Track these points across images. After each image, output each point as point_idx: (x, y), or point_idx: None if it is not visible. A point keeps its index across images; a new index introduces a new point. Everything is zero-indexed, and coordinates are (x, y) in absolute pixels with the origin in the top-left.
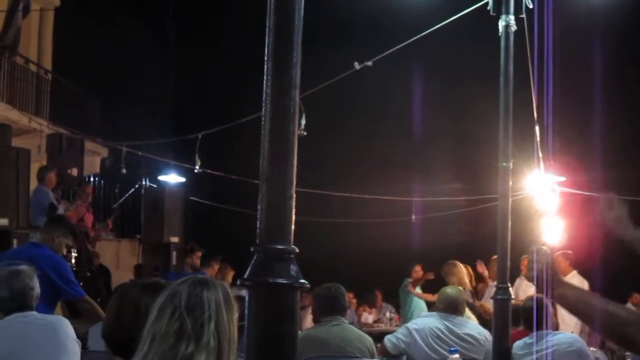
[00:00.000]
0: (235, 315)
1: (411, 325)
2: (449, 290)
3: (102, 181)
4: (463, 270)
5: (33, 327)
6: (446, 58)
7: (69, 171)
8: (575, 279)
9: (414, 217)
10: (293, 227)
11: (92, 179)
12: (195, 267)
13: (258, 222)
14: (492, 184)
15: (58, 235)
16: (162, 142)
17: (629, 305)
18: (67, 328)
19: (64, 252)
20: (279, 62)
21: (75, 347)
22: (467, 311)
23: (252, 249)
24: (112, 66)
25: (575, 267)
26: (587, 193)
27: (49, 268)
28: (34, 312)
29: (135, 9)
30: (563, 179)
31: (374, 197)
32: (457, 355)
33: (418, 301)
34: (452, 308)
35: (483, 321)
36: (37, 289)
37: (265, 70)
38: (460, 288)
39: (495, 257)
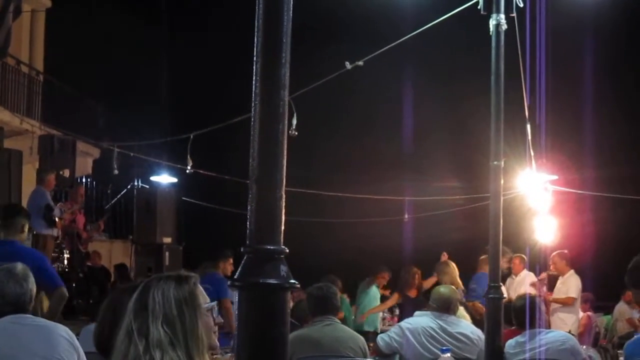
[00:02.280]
0: (200, 311)
1: (404, 324)
2: (442, 289)
3: (94, 182)
4: (456, 270)
5: (28, 330)
6: (437, 57)
7: (61, 172)
8: (572, 277)
9: (406, 216)
10: (283, 227)
11: (84, 180)
12: (226, 274)
13: (248, 223)
14: (484, 182)
15: (22, 225)
16: (154, 142)
17: (622, 302)
18: (63, 333)
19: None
20: (267, 62)
21: (71, 353)
22: (462, 310)
23: (242, 250)
24: (103, 67)
25: (571, 266)
26: (579, 192)
27: (29, 263)
28: (29, 316)
29: (126, 10)
30: (555, 177)
31: (366, 197)
32: (449, 354)
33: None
34: (445, 307)
35: (474, 320)
36: (33, 290)
37: (254, 70)
38: (453, 287)
39: (483, 257)
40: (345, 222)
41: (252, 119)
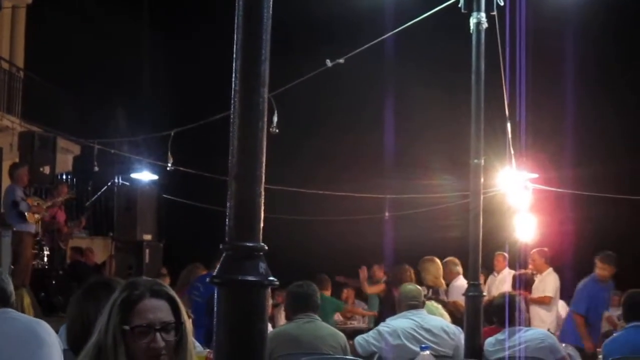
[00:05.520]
0: (114, 321)
1: (382, 328)
2: (410, 286)
3: (74, 179)
4: (440, 269)
5: (11, 324)
6: (419, 55)
7: (41, 169)
8: (550, 276)
9: (387, 214)
10: (262, 224)
11: (64, 177)
12: None
13: (227, 220)
14: (466, 181)
15: None
16: (134, 139)
17: None
18: (45, 329)
19: None
20: (247, 59)
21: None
22: (440, 309)
23: (221, 247)
24: (84, 64)
25: (550, 264)
26: (559, 190)
27: None
28: (12, 310)
29: (108, 6)
30: (535, 175)
31: (346, 195)
32: (428, 352)
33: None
34: (417, 303)
35: (455, 319)
36: (11, 288)
37: (233, 67)
38: (415, 284)
39: (448, 259)
40: (326, 220)
41: (232, 116)
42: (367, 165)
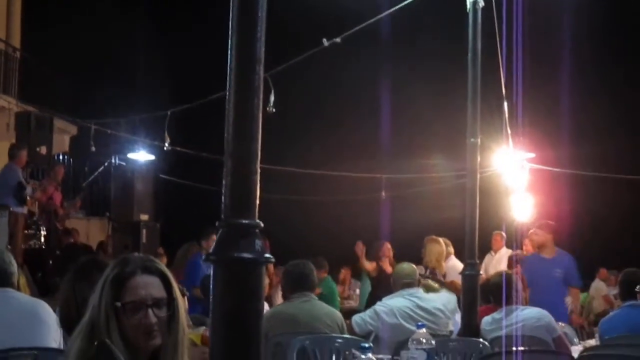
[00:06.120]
0: (106, 298)
1: (379, 307)
2: (405, 265)
3: (71, 159)
4: (444, 252)
5: (11, 303)
6: (416, 35)
7: (37, 149)
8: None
9: (383, 194)
10: (258, 202)
11: (61, 158)
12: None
13: (223, 197)
14: (462, 161)
15: None
16: (131, 119)
17: (597, 280)
18: (45, 309)
19: None
20: (243, 36)
21: (49, 327)
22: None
23: (216, 224)
24: (81, 44)
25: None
26: (556, 169)
27: None
28: (12, 290)
29: None
30: (532, 155)
31: (343, 174)
32: (424, 330)
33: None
34: (412, 281)
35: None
36: (12, 268)
37: (229, 44)
38: (411, 263)
39: (429, 237)
40: (321, 201)
41: (227, 93)
42: (364, 146)
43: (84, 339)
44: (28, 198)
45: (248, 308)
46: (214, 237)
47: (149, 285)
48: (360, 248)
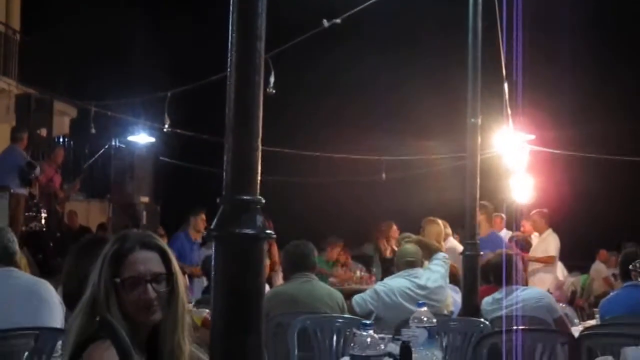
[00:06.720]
0: (105, 274)
1: (379, 287)
2: (409, 246)
3: (71, 142)
4: (442, 233)
5: (14, 282)
6: (415, 15)
7: (38, 132)
8: (551, 236)
9: (384, 175)
10: (259, 178)
11: (61, 140)
12: (198, 228)
13: (224, 174)
14: (462, 143)
15: None
16: (131, 101)
17: (597, 262)
18: (47, 288)
19: None
20: (243, 12)
21: (51, 307)
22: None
23: (218, 200)
24: (81, 26)
25: (549, 225)
26: (556, 151)
27: None
28: (16, 269)
29: None
30: (532, 137)
31: (344, 156)
32: (425, 308)
33: None
34: (414, 260)
35: (455, 279)
36: (16, 247)
37: (230, 21)
38: (414, 244)
39: (427, 218)
40: (321, 182)
41: (228, 69)
42: (364, 128)
43: (84, 316)
44: (36, 178)
45: (249, 283)
46: (204, 217)
47: (148, 261)
48: (394, 230)
